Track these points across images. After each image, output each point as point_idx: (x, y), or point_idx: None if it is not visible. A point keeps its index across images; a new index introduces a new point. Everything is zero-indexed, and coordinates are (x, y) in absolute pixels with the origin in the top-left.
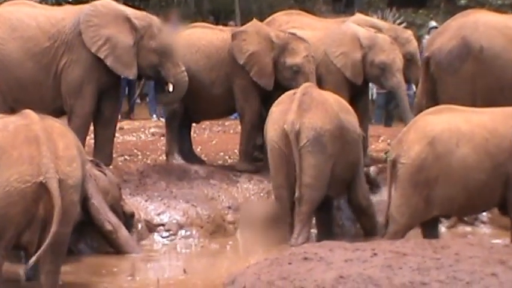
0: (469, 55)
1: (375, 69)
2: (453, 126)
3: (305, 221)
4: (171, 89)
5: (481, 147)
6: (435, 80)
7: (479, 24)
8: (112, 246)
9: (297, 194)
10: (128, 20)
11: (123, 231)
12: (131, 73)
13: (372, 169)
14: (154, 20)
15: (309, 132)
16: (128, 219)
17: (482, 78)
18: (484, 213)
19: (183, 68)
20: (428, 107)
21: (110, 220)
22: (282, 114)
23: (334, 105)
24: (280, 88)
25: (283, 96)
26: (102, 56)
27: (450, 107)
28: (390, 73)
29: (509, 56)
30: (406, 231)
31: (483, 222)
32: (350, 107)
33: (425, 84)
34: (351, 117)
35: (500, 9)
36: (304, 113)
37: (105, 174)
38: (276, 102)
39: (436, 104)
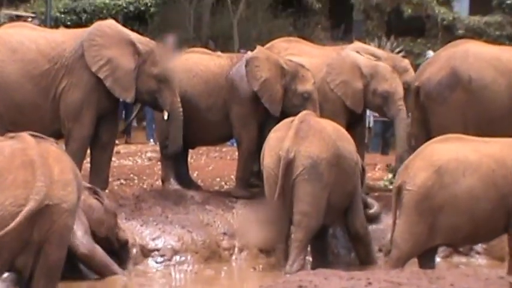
0: (458, 85)
1: (378, 98)
2: (461, 156)
3: (301, 249)
4: (165, 117)
5: (488, 178)
6: (425, 110)
7: (469, 55)
8: (89, 269)
9: (293, 222)
10: (131, 43)
11: (99, 254)
12: (129, 96)
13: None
14: (158, 46)
15: (306, 161)
16: (123, 246)
17: (471, 108)
18: (480, 244)
19: (179, 99)
20: (417, 136)
21: (84, 243)
22: (279, 141)
23: (331, 134)
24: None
25: (281, 123)
26: (101, 76)
27: (458, 136)
28: (393, 102)
29: (498, 87)
30: (409, 258)
31: (478, 253)
32: (348, 135)
33: (415, 113)
34: (348, 146)
35: (498, 40)
36: (301, 140)
37: (102, 202)
38: (274, 128)
39: (428, 133)
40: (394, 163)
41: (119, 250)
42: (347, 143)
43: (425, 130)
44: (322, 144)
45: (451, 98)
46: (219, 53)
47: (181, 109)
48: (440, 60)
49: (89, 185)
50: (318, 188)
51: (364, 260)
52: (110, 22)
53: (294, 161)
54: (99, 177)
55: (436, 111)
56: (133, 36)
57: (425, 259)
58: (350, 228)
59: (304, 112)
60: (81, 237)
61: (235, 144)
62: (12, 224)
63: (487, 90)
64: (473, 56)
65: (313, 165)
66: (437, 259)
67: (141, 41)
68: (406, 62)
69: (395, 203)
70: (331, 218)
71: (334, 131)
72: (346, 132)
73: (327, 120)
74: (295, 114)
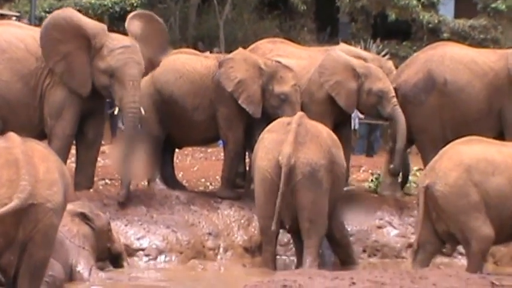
0: (434, 88)
1: (372, 98)
2: (488, 156)
3: (314, 256)
4: (115, 111)
5: None
6: (403, 111)
7: (446, 58)
8: None
9: (302, 230)
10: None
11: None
12: (84, 92)
13: None
14: (112, 39)
15: (305, 168)
16: (117, 258)
17: (447, 111)
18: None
19: (134, 93)
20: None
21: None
22: (277, 144)
23: (327, 140)
24: (265, 116)
25: (275, 123)
26: (58, 71)
27: (479, 138)
28: (387, 100)
29: (473, 90)
30: (483, 256)
31: (461, 254)
32: (337, 140)
33: None
34: (339, 152)
35: (482, 43)
36: (300, 146)
37: (93, 228)
38: (268, 129)
39: (408, 133)
40: (387, 163)
41: (113, 262)
42: (339, 149)
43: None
44: (320, 150)
45: (428, 101)
46: (207, 54)
47: (133, 104)
48: (418, 63)
49: (79, 210)
50: (319, 194)
51: (345, 261)
52: (67, 13)
53: (294, 168)
54: (84, 175)
55: (414, 113)
56: (89, 29)
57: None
58: (327, 232)
59: (299, 114)
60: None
61: (221, 146)
62: None
63: (463, 93)
64: (449, 59)
65: (311, 173)
66: None
67: (96, 34)
68: (390, 64)
69: (423, 203)
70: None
71: (328, 136)
72: (335, 137)
73: (320, 124)
74: (274, 116)
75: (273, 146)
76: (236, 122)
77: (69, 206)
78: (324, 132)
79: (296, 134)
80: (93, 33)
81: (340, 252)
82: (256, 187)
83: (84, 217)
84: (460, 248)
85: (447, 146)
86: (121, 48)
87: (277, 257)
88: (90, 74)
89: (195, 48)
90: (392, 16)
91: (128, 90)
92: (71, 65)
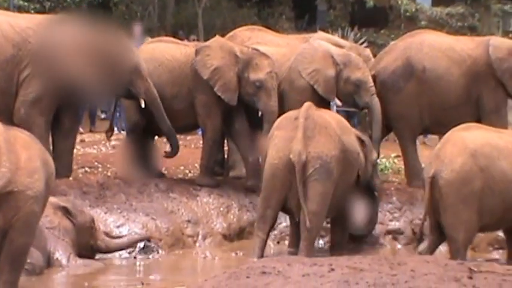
0: (413, 75)
1: (350, 86)
2: (492, 141)
3: (310, 248)
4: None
5: None
6: (382, 98)
7: (424, 46)
8: None
9: (306, 223)
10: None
11: None
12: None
13: None
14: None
15: (315, 162)
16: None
17: (426, 97)
18: None
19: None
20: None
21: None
22: (287, 141)
23: (336, 129)
24: (242, 104)
25: (282, 119)
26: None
27: (476, 125)
28: (365, 90)
29: (452, 77)
30: (467, 246)
31: None
32: (348, 125)
33: None
34: (351, 138)
35: (460, 31)
36: (309, 141)
37: (74, 223)
38: (276, 125)
39: (385, 120)
40: None
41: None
42: (349, 135)
43: (384, 118)
44: (330, 141)
45: (406, 88)
46: (186, 42)
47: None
48: (397, 50)
49: (62, 204)
50: (328, 186)
51: (335, 245)
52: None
53: (306, 164)
54: (62, 163)
55: (392, 100)
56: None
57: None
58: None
59: (306, 105)
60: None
61: (200, 133)
62: None
63: (441, 80)
64: (428, 46)
65: (322, 165)
66: (398, 246)
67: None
68: (368, 52)
69: (429, 192)
70: (334, 211)
71: (337, 124)
72: (346, 122)
73: (328, 112)
74: (250, 103)
75: (283, 143)
76: (214, 109)
77: (53, 199)
78: (333, 121)
79: (304, 129)
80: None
81: (338, 233)
82: (265, 181)
83: (66, 211)
84: None
85: (448, 134)
86: None
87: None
88: None
89: (175, 37)
90: (370, 3)
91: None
92: None
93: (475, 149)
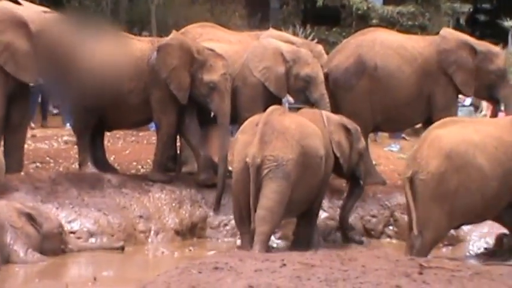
0: (364, 73)
1: (300, 82)
2: (467, 138)
3: (265, 242)
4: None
5: (493, 156)
6: (334, 95)
7: (376, 43)
8: None
9: (257, 216)
10: (25, 25)
11: None
12: (31, 79)
13: None
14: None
15: (271, 164)
16: None
17: (377, 95)
18: (390, 227)
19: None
20: None
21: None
22: (245, 146)
23: (295, 134)
24: (195, 100)
25: (246, 124)
26: (1, 63)
27: (453, 119)
28: (315, 86)
29: (403, 75)
30: (433, 245)
31: (389, 236)
32: (313, 129)
33: None
34: (312, 141)
35: (410, 30)
36: (265, 146)
37: (38, 230)
38: (241, 129)
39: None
40: None
41: None
42: (311, 139)
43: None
44: (286, 145)
45: (358, 85)
46: (140, 37)
47: None
48: (349, 48)
49: (27, 211)
50: (284, 186)
51: (301, 238)
52: (2, 4)
53: (261, 167)
54: (12, 159)
55: (344, 98)
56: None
57: None
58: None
59: (269, 110)
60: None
61: (153, 129)
62: None
63: (393, 78)
64: (379, 44)
65: (278, 167)
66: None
67: (35, 20)
68: (320, 47)
69: (409, 193)
70: (295, 212)
71: (297, 130)
72: (310, 126)
73: (291, 117)
74: (204, 104)
75: (242, 147)
76: (170, 106)
77: (18, 205)
78: (293, 125)
79: (262, 134)
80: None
81: (301, 228)
82: (232, 185)
83: (30, 218)
84: (388, 231)
85: (425, 132)
86: None
87: (212, 239)
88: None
89: (129, 33)
90: (319, 3)
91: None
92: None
93: (450, 149)
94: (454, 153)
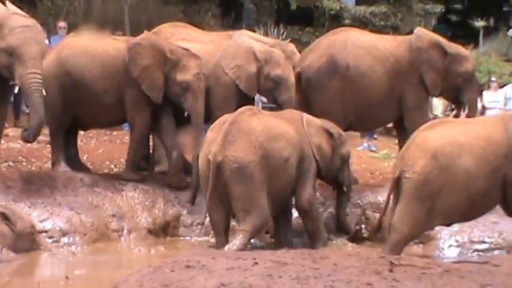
0: (336, 72)
1: (270, 83)
2: (453, 139)
3: (246, 238)
4: (16, 90)
5: (480, 156)
6: (306, 95)
7: (348, 43)
8: None
9: (237, 219)
10: None
11: None
12: None
13: None
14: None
15: (232, 165)
16: None
17: (349, 95)
18: (363, 226)
19: (34, 71)
20: None
21: None
22: (210, 143)
23: (259, 136)
24: (170, 101)
25: (216, 122)
26: None
27: (442, 120)
28: (285, 87)
29: (375, 74)
30: (408, 241)
31: (361, 235)
32: (282, 131)
33: (297, 97)
34: (276, 144)
35: (383, 30)
36: (228, 145)
37: (12, 230)
38: (210, 128)
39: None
40: None
41: None
42: (276, 142)
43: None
44: (249, 147)
45: (330, 85)
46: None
47: (34, 76)
48: (321, 48)
49: (1, 210)
50: (251, 187)
51: (312, 234)
52: None
53: (222, 165)
54: None
55: (316, 97)
56: None
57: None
58: (296, 204)
59: (240, 110)
60: None
61: (126, 128)
62: None
63: (364, 78)
64: (351, 44)
65: (239, 169)
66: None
67: None
68: (292, 46)
69: (394, 192)
70: (275, 210)
71: (263, 131)
72: (279, 128)
73: (260, 119)
74: (177, 103)
75: (207, 145)
76: (144, 105)
77: None
78: (259, 128)
79: (226, 133)
80: None
81: (308, 225)
82: (200, 183)
83: (4, 217)
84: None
85: (414, 133)
86: (21, 27)
87: (185, 238)
88: None
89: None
90: (293, 6)
91: (28, 68)
92: None
93: (436, 150)
94: (439, 154)
